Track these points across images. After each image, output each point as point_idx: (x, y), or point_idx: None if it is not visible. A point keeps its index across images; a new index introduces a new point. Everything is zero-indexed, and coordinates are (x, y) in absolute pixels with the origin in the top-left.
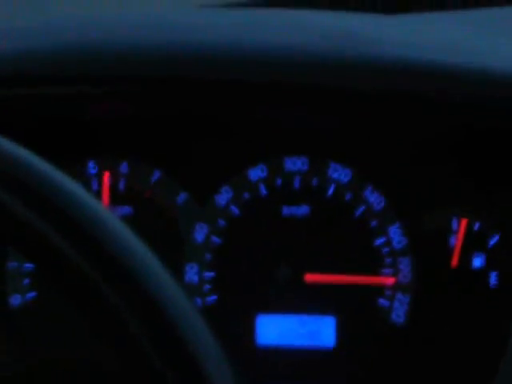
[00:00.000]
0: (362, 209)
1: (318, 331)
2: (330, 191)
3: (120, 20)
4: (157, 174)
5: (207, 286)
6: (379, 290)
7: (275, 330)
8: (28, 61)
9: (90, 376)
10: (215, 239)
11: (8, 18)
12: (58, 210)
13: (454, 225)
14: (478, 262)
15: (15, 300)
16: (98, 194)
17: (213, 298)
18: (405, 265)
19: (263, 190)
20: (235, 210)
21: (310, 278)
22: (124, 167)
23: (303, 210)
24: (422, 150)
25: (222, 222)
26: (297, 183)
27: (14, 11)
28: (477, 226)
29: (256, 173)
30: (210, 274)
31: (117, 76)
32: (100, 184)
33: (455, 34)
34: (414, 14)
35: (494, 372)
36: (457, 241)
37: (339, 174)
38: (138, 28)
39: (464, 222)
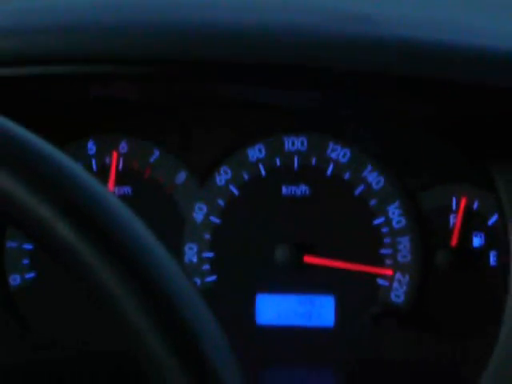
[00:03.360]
0: (361, 188)
1: (317, 311)
2: (329, 171)
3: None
4: (156, 154)
5: (206, 266)
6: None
7: (274, 309)
8: (26, 41)
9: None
10: (214, 219)
11: None
12: (62, 192)
13: (454, 204)
14: (477, 241)
15: (14, 280)
16: (98, 175)
17: (212, 278)
18: (404, 244)
19: (262, 170)
20: (234, 189)
21: (309, 259)
22: (123, 147)
23: (302, 189)
24: (420, 129)
25: (221, 202)
26: (296, 163)
27: None
28: (476, 204)
29: (255, 153)
30: (209, 254)
31: (115, 57)
32: (99, 164)
33: (456, 13)
34: None
35: (491, 352)
36: (456, 220)
37: (338, 153)
38: (135, 8)
39: (463, 200)
